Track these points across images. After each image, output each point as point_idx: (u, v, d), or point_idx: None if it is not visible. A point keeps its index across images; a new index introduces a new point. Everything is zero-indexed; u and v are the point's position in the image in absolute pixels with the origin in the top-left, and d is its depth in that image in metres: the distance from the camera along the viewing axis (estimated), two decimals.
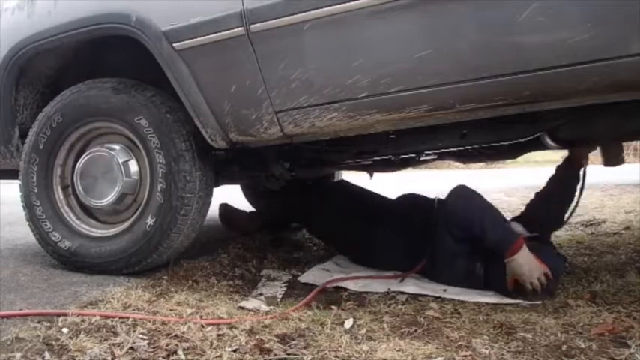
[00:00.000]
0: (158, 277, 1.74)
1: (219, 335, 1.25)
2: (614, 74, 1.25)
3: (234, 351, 1.16)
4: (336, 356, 1.16)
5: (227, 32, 1.50)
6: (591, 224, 2.94)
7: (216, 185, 1.88)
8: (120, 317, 1.30)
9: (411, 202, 2.13)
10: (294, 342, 1.24)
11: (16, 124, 1.98)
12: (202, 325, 1.29)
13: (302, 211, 2.33)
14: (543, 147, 2.04)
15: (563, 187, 2.01)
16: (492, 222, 1.72)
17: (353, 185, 2.38)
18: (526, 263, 1.60)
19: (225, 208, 2.58)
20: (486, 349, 1.20)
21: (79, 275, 1.75)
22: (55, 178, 1.87)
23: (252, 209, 2.96)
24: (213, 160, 1.81)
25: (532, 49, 1.29)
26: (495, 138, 2.01)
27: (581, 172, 1.97)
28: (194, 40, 1.55)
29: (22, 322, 1.27)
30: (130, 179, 1.77)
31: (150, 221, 1.70)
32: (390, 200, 2.28)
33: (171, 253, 1.78)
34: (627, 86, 1.29)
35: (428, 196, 2.12)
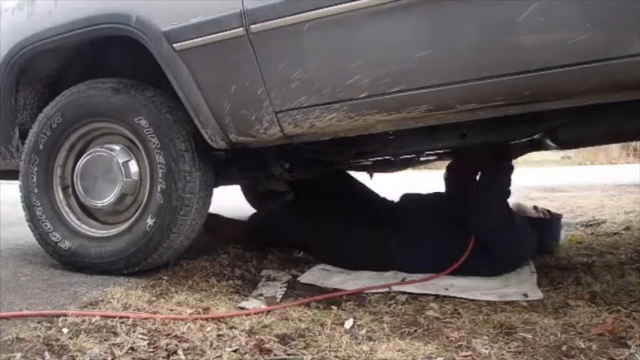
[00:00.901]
0: (158, 277, 1.74)
1: (219, 335, 1.25)
2: (614, 74, 1.25)
3: (234, 351, 1.16)
4: (336, 356, 1.16)
5: (227, 32, 1.50)
6: (591, 224, 2.94)
7: (216, 185, 1.88)
8: (120, 317, 1.30)
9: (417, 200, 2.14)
10: (294, 342, 1.24)
11: (16, 125, 1.98)
12: (202, 325, 1.30)
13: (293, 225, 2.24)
14: (543, 147, 2.05)
15: None
16: None
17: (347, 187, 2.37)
18: None
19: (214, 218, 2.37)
20: (486, 349, 1.20)
21: (79, 275, 1.75)
22: (55, 178, 1.87)
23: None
24: (213, 160, 1.81)
25: (532, 49, 1.28)
26: (495, 138, 2.01)
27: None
28: (194, 40, 1.54)
29: (22, 322, 1.27)
30: (130, 179, 1.77)
31: (150, 221, 1.70)
32: (389, 201, 2.28)
33: (172, 253, 1.77)
34: (628, 86, 1.29)
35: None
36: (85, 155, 1.82)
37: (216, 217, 2.43)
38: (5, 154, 2.02)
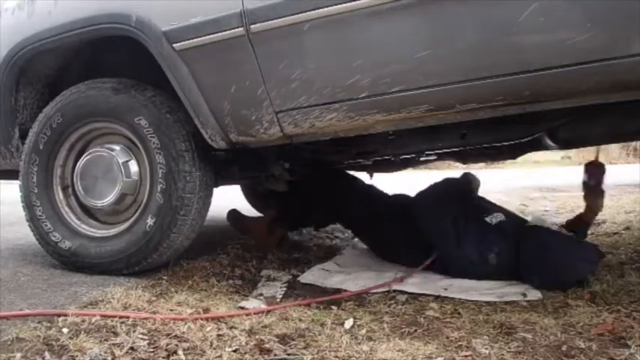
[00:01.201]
0: (158, 277, 1.74)
1: (219, 335, 1.25)
2: (614, 74, 1.25)
3: (234, 351, 1.16)
4: (336, 356, 1.16)
5: (227, 32, 1.50)
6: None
7: (216, 185, 1.88)
8: (120, 317, 1.30)
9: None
10: (294, 342, 1.24)
11: (16, 124, 1.98)
12: (202, 325, 1.30)
13: (327, 204, 2.27)
14: (543, 147, 2.05)
15: None
16: None
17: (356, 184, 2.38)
18: None
19: (234, 215, 2.49)
20: (486, 349, 1.20)
21: (79, 275, 1.75)
22: (55, 178, 1.87)
23: (263, 214, 2.71)
24: (213, 160, 1.81)
25: (532, 50, 1.29)
26: (495, 138, 2.01)
27: None
28: (194, 40, 1.55)
29: (22, 322, 1.27)
30: (130, 179, 1.77)
31: (150, 221, 1.70)
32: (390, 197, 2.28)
33: (172, 253, 1.78)
34: (628, 86, 1.29)
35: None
36: (85, 155, 1.82)
37: (242, 214, 2.53)
38: (5, 154, 2.02)
